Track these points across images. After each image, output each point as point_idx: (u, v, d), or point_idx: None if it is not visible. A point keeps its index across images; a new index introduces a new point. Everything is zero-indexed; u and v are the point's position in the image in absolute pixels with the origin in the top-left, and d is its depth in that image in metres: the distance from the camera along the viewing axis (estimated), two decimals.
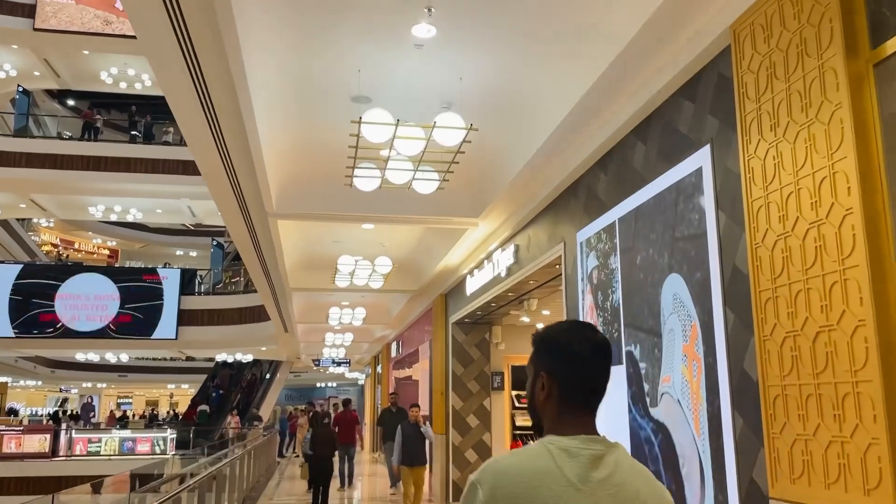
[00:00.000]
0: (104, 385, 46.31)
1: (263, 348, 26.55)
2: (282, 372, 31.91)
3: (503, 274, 8.37)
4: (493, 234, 8.43)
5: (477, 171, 7.21)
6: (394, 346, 20.43)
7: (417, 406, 9.86)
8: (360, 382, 47.47)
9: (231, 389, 29.50)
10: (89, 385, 44.82)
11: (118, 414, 41.17)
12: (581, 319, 4.88)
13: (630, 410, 4.89)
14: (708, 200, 3.97)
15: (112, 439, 22.94)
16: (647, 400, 4.64)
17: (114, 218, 26.39)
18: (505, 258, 8.25)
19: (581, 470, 1.45)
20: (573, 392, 1.56)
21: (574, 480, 1.43)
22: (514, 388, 12.05)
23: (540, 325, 12.06)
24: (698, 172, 4.08)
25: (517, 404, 11.83)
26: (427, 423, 9.20)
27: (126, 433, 23.76)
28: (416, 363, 20.57)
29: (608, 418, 5.23)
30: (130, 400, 55.19)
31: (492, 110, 5.85)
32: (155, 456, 22.35)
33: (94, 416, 38.14)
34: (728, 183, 3.77)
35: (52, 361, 37.63)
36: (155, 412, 47.67)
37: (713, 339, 3.87)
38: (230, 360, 27.56)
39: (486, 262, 9.27)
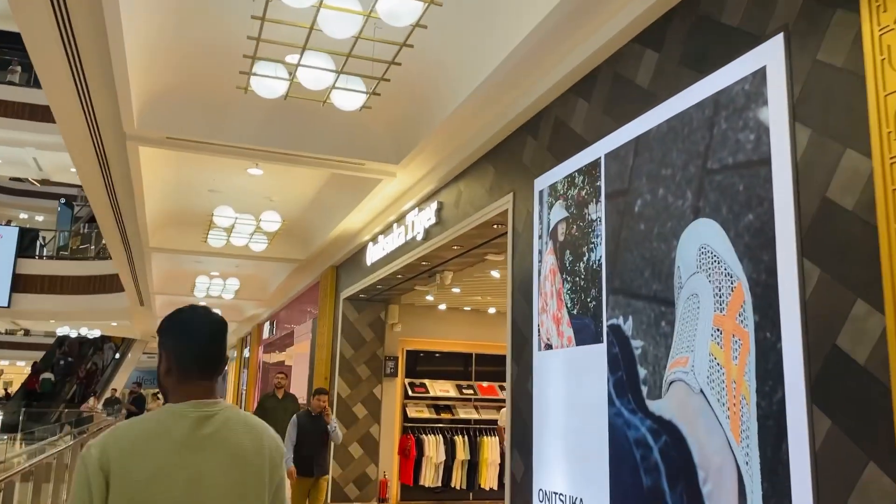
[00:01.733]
0: None
1: (114, 323, 23.69)
2: (134, 352, 28.90)
3: (419, 237, 7.04)
4: (411, 190, 7.08)
5: (403, 108, 5.84)
6: (266, 326, 18.55)
7: (325, 392, 7.05)
8: None
9: (79, 361, 26.34)
10: None
11: None
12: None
13: (612, 403, 3.72)
14: (776, 112, 2.84)
15: None
16: (644, 390, 3.47)
17: None
18: (423, 219, 6.93)
19: (188, 429, 1.70)
20: (188, 365, 1.80)
21: (177, 438, 1.69)
22: (408, 375, 10.76)
23: (443, 307, 10.83)
24: (758, 76, 2.94)
25: (411, 393, 10.54)
26: (334, 418, 7.04)
27: None
28: (291, 346, 18.83)
29: (576, 411, 4.04)
30: None
31: (441, 13, 4.48)
32: None
33: None
34: (818, 83, 2.64)
35: None
36: None
37: (776, 306, 2.75)
38: (73, 335, 24.38)
39: (395, 225, 7.90)
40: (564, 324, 4.28)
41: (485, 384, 11.09)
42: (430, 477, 10.17)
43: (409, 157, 6.16)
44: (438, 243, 6.62)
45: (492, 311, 10.89)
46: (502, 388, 11.06)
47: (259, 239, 8.91)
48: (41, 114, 20.21)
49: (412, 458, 10.13)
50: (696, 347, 3.16)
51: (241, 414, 1.81)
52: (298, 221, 9.45)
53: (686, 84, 3.37)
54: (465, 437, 10.53)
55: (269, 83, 4.73)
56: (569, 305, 4.24)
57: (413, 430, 10.42)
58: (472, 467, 10.41)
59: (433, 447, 10.25)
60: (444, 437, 10.41)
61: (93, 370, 25.21)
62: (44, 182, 28.00)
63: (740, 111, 3.03)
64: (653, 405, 3.40)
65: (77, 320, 21.71)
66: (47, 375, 24.90)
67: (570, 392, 4.14)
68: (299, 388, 20.27)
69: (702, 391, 3.10)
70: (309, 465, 6.69)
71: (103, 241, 21.49)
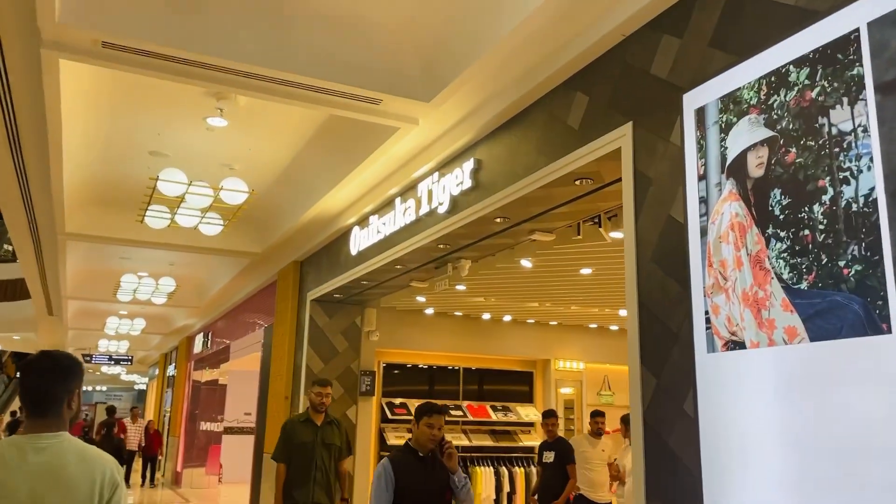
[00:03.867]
0: None
1: (16, 337, 20.71)
2: None
3: (442, 209, 5.33)
4: (434, 145, 5.35)
5: (441, 23, 4.17)
6: (198, 339, 16.26)
7: (442, 411, 3.85)
8: (139, 387, 41.03)
9: None
10: None
11: None
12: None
13: None
14: None
15: None
16: None
17: None
18: (450, 184, 5.23)
19: (16, 454, 2.09)
20: (32, 402, 2.17)
21: (11, 462, 2.07)
22: (385, 394, 8.95)
23: (430, 311, 9.09)
24: None
25: (390, 415, 8.72)
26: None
27: None
28: (226, 362, 16.57)
29: (826, 451, 2.41)
30: None
31: None
32: None
33: None
34: None
35: None
36: None
37: None
38: None
39: (398, 200, 6.16)
40: (776, 307, 2.67)
41: (475, 404, 9.39)
42: None
43: (448, 90, 4.46)
44: (472, 215, 4.94)
45: (486, 316, 9.23)
46: (496, 409, 9.40)
47: (213, 219, 6.98)
48: None
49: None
50: None
51: (76, 447, 2.17)
52: (260, 203, 7.55)
53: None
54: None
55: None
56: (787, 276, 2.64)
57: None
58: None
59: None
60: None
61: None
62: None
63: None
64: None
65: None
66: None
67: (804, 417, 2.51)
68: (236, 412, 18.00)
69: None
70: None
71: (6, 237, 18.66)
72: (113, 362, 22.00)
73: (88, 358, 20.88)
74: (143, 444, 15.48)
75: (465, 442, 9.02)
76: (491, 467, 8.88)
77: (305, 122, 5.77)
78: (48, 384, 2.18)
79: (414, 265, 6.45)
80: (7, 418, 21.35)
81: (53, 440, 2.13)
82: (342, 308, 8.58)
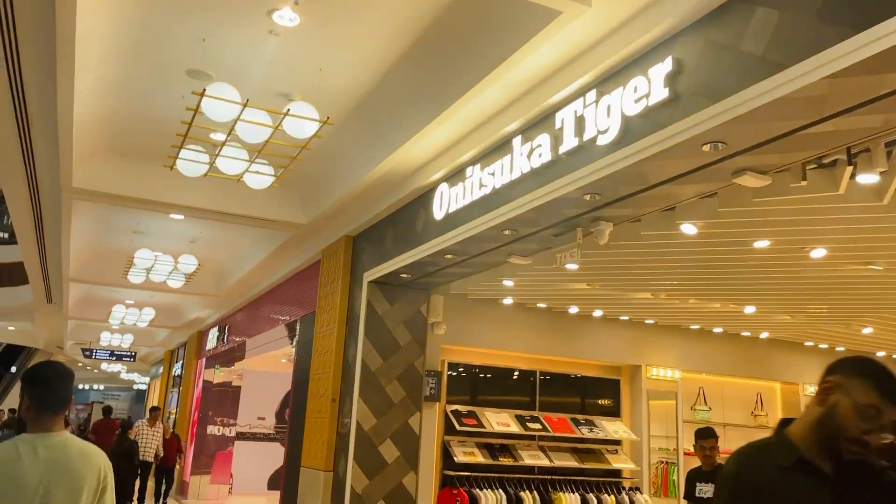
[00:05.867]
0: None
1: (11, 327, 19.16)
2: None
3: (606, 140, 3.80)
4: (610, 40, 3.80)
5: None
6: (212, 334, 14.69)
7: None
8: (138, 387, 39.36)
9: None
10: None
11: None
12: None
13: None
14: None
15: None
16: None
17: None
18: (625, 100, 3.70)
19: (29, 450, 2.45)
20: (41, 405, 2.54)
21: (24, 455, 2.44)
22: (450, 401, 7.39)
23: (509, 301, 7.55)
24: None
25: (457, 426, 7.15)
26: None
27: None
28: (242, 360, 14.98)
29: None
30: None
31: None
32: None
33: None
34: None
35: None
36: None
37: None
38: None
39: (517, 139, 4.63)
40: None
41: (554, 417, 7.82)
42: None
43: None
44: (662, 142, 3.42)
45: (573, 310, 7.66)
46: (578, 422, 7.83)
47: (262, 167, 5.42)
48: None
49: None
50: None
51: (79, 445, 2.57)
52: (314, 158, 5.99)
53: None
54: (535, 492, 7.20)
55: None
56: None
57: (460, 482, 7.01)
58: None
59: None
60: (507, 492, 7.05)
61: None
62: None
63: None
64: None
65: None
66: None
67: None
68: (250, 415, 16.37)
69: None
70: None
71: (6, 220, 17.17)
72: (115, 358, 20.41)
73: (88, 353, 19.30)
74: (161, 455, 12.16)
75: (544, 462, 7.46)
76: (576, 493, 7.30)
77: (408, 21, 4.24)
78: (60, 390, 2.62)
79: (531, 229, 4.90)
80: (5, 416, 19.81)
81: (59, 439, 2.55)
82: (406, 293, 7.04)
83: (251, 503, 14.38)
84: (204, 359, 15.50)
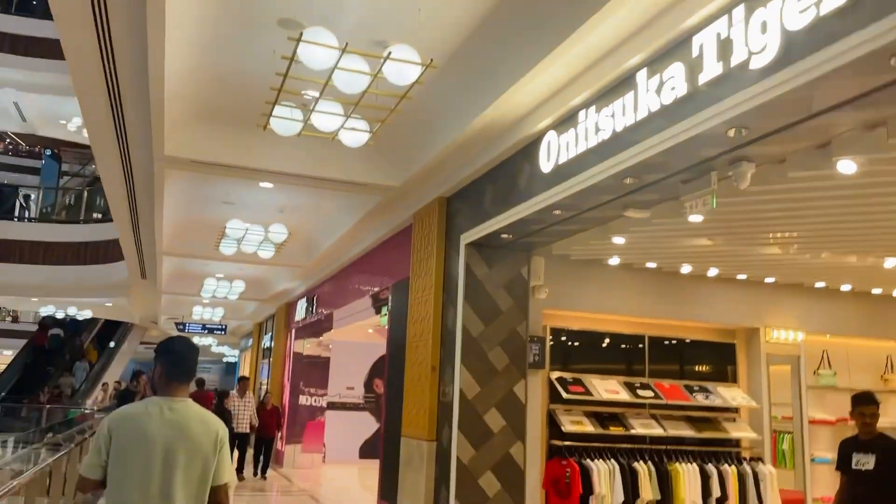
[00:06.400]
0: None
1: (108, 303, 19.89)
2: (131, 340, 25.17)
3: (760, 62, 3.27)
4: None
5: None
6: (300, 305, 14.76)
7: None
8: (228, 359, 40.67)
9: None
10: None
11: None
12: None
13: None
14: None
15: None
16: None
17: None
18: (786, 11, 3.15)
19: (158, 411, 2.84)
20: (170, 374, 2.94)
21: (152, 414, 2.83)
22: (553, 368, 6.99)
23: (615, 261, 7.05)
24: None
25: (564, 394, 6.76)
26: None
27: None
28: (329, 331, 15.01)
29: None
30: None
31: None
32: None
33: None
34: None
35: None
36: None
37: None
38: (60, 315, 20.56)
39: (641, 73, 4.12)
40: None
41: (666, 384, 7.32)
42: None
43: None
44: (840, 56, 2.87)
45: (685, 269, 7.10)
46: (691, 389, 7.31)
47: (358, 123, 5.10)
48: (24, 46, 16.46)
49: (574, 498, 6.37)
50: None
51: (198, 410, 2.95)
52: (406, 116, 5.61)
53: None
54: (650, 463, 6.77)
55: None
56: None
57: (569, 452, 6.64)
58: None
59: (605, 480, 6.49)
60: (620, 463, 6.64)
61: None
62: (28, 139, 24.14)
63: None
64: None
65: (62, 296, 17.90)
66: (57, 331, 21.76)
67: None
68: (339, 385, 16.46)
69: None
70: None
71: (99, 202, 17.70)
72: (206, 331, 20.96)
73: (182, 327, 19.86)
74: (256, 425, 12.15)
75: (657, 431, 7.01)
76: (694, 464, 6.83)
77: None
78: (190, 361, 3.04)
79: (657, 176, 4.41)
80: (111, 389, 20.71)
81: (182, 404, 2.90)
82: (505, 255, 6.65)
83: (345, 471, 14.49)
84: (293, 330, 15.63)
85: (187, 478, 2.78)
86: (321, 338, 15.36)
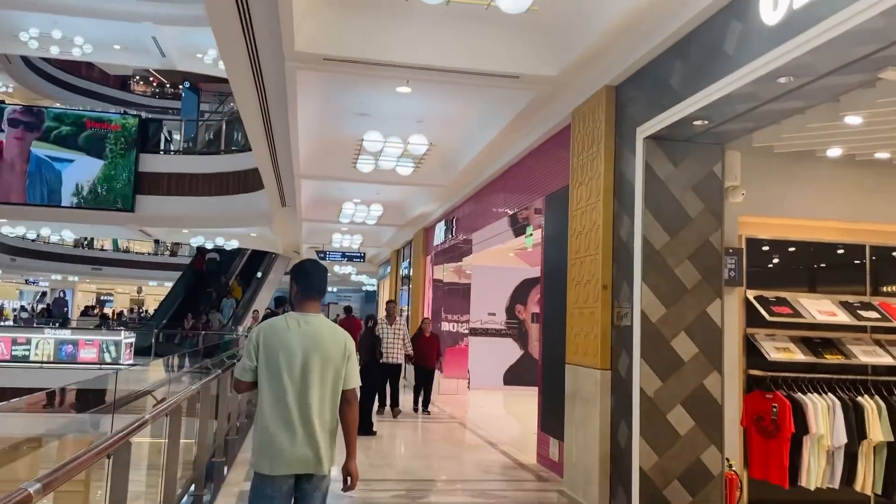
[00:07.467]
0: (76, 278, 40.54)
1: (252, 234, 20.34)
2: (276, 271, 25.93)
3: None
4: None
5: None
6: (439, 228, 14.16)
7: None
8: (367, 288, 41.67)
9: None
10: (59, 278, 39.43)
11: (97, 310, 35.83)
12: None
13: None
14: None
15: (45, 341, 17.01)
16: None
17: (55, 52, 19.29)
18: None
19: (295, 324, 3.27)
20: (305, 292, 3.36)
21: (291, 326, 3.26)
22: (751, 285, 5.81)
23: (835, 152, 5.67)
24: None
25: (768, 316, 5.61)
26: None
27: (65, 334, 17.79)
28: (469, 255, 14.37)
29: None
30: (112, 297, 49.63)
31: None
32: (103, 366, 16.51)
33: (67, 311, 33.35)
34: None
35: (11, 248, 32.00)
36: (135, 311, 42.61)
37: None
38: (210, 246, 21.34)
39: None
40: None
41: (893, 303, 5.96)
42: (817, 473, 5.34)
43: None
44: None
45: None
46: None
47: None
48: None
49: (783, 438, 5.31)
50: None
51: (328, 323, 3.35)
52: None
53: None
54: (878, 398, 5.54)
55: None
56: None
57: (774, 384, 5.54)
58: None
59: (822, 417, 5.36)
60: (840, 398, 5.47)
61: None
62: (168, 75, 24.81)
63: None
64: None
65: (208, 225, 18.40)
66: (213, 255, 23.83)
67: None
68: (480, 310, 15.96)
69: None
70: None
71: (237, 136, 17.81)
72: (346, 259, 21.06)
73: (322, 255, 20.02)
74: (411, 354, 10.95)
75: (885, 359, 5.76)
76: None
77: None
78: (322, 280, 3.43)
79: None
80: (261, 315, 21.67)
81: (315, 318, 3.33)
82: (693, 150, 5.49)
83: (490, 398, 14.07)
84: (431, 254, 15.14)
85: (322, 380, 3.22)
86: (460, 262, 14.77)
